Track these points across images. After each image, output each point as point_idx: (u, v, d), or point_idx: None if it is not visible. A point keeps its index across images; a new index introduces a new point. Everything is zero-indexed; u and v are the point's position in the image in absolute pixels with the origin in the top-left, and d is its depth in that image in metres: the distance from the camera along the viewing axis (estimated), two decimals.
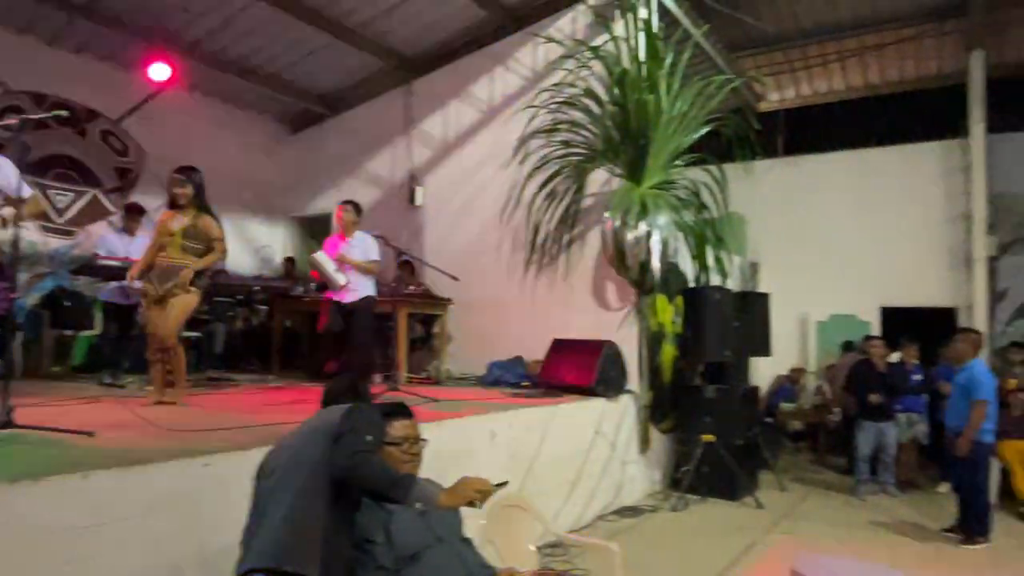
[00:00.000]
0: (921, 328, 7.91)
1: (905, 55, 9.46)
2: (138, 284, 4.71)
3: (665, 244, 6.06)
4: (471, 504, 2.03)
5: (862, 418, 6.83)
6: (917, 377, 7.25)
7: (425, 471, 2.33)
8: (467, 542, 2.33)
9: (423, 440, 2.38)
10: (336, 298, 5.56)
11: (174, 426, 3.59)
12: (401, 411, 2.38)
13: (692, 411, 6.61)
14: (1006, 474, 6.38)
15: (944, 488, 6.73)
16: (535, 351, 6.56)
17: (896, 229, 9.48)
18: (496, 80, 7.54)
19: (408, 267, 7.50)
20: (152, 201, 7.03)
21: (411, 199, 8.12)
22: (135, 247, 6.06)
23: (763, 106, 10.62)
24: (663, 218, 6.04)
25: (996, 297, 8.98)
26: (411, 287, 7.30)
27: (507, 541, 2.85)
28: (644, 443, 6.40)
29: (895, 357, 7.25)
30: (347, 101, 9.06)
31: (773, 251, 10.19)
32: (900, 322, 9.09)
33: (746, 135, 6.92)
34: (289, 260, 9.05)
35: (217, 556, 2.48)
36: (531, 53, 7.23)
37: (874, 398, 6.66)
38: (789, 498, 6.64)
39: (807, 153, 10.48)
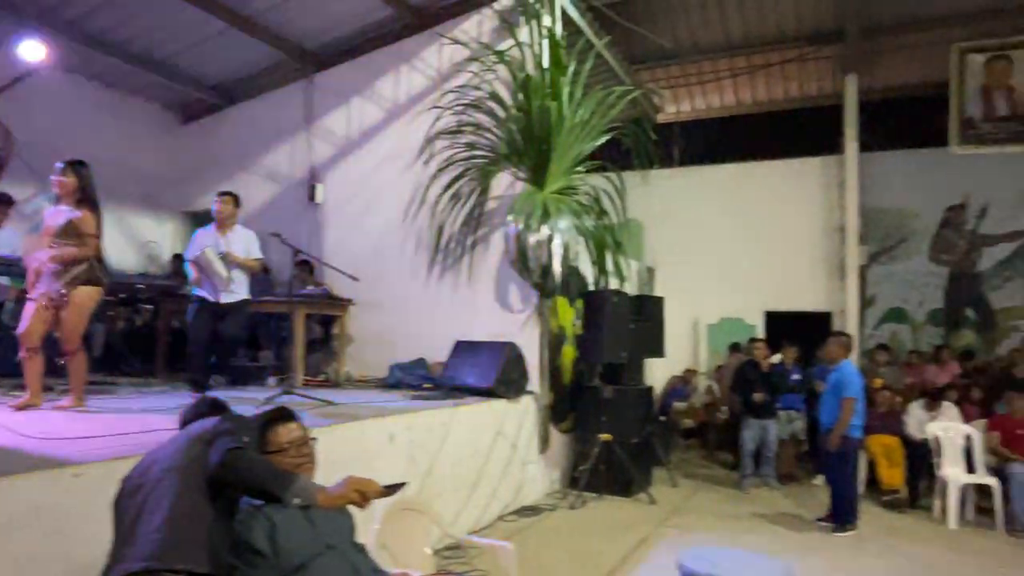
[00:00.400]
0: (801, 331, 8.47)
1: (789, 76, 10.12)
2: (3, 280, 4.35)
3: (566, 248, 6.18)
4: (354, 504, 2.00)
5: (747, 416, 7.24)
6: (796, 377, 7.75)
7: (320, 476, 2.28)
8: (359, 548, 2.28)
9: (313, 439, 2.33)
10: (212, 298, 5.28)
11: (43, 434, 3.32)
12: (282, 416, 2.32)
13: (590, 411, 6.78)
14: (873, 466, 6.92)
15: (819, 480, 7.24)
16: (438, 353, 6.54)
17: (780, 238, 10.12)
18: (401, 79, 7.45)
19: (307, 266, 7.29)
20: (21, 191, 6.48)
21: (311, 196, 7.89)
22: (2, 239, 5.57)
23: (661, 118, 11.04)
24: (565, 222, 6.16)
25: (866, 303, 9.75)
26: (309, 287, 7.10)
27: (402, 545, 2.82)
28: (544, 443, 6.50)
29: (778, 358, 7.72)
30: (244, 92, 8.70)
31: (668, 257, 10.63)
32: (783, 325, 9.71)
33: (644, 145, 7.19)
34: (178, 257, 8.57)
35: (87, 573, 2.31)
36: (437, 54, 7.20)
37: (758, 397, 7.07)
38: (680, 493, 6.94)
39: (701, 164, 11.01)
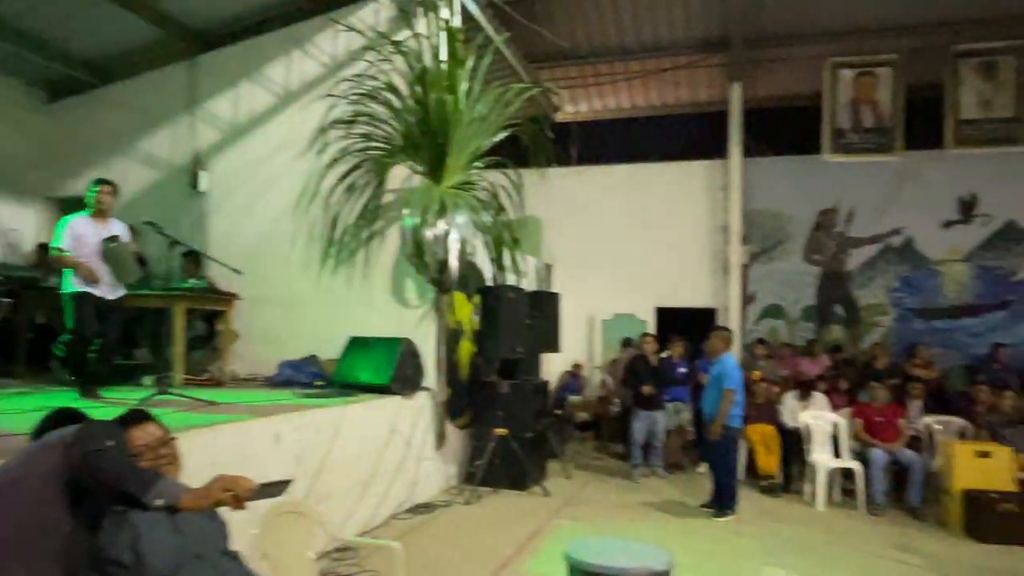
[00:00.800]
0: (689, 326, 8.86)
1: (680, 81, 10.54)
2: None
3: (464, 243, 6.15)
4: (225, 505, 1.86)
5: (637, 408, 7.50)
6: (682, 370, 8.10)
7: (199, 481, 2.13)
8: (232, 556, 2.16)
9: (173, 438, 2.18)
10: (100, 294, 4.95)
11: None
12: (135, 417, 2.16)
13: (487, 406, 6.81)
14: (752, 453, 7.34)
15: (703, 468, 7.60)
16: (331, 349, 6.34)
17: (670, 238, 10.55)
18: (293, 64, 7.16)
19: (194, 259, 6.87)
20: None
21: (194, 184, 7.45)
22: None
23: (559, 116, 11.22)
24: (462, 217, 6.13)
25: (747, 299, 10.32)
26: (194, 280, 6.70)
27: (284, 551, 2.70)
28: (440, 439, 6.45)
29: (668, 352, 8.03)
30: (120, 71, 8.07)
31: (566, 254, 10.83)
32: (672, 320, 10.14)
33: (542, 142, 7.26)
34: (42, 247, 7.86)
35: None
36: (331, 40, 6.97)
37: (647, 389, 7.34)
38: (573, 485, 7.09)
39: (597, 164, 11.28)
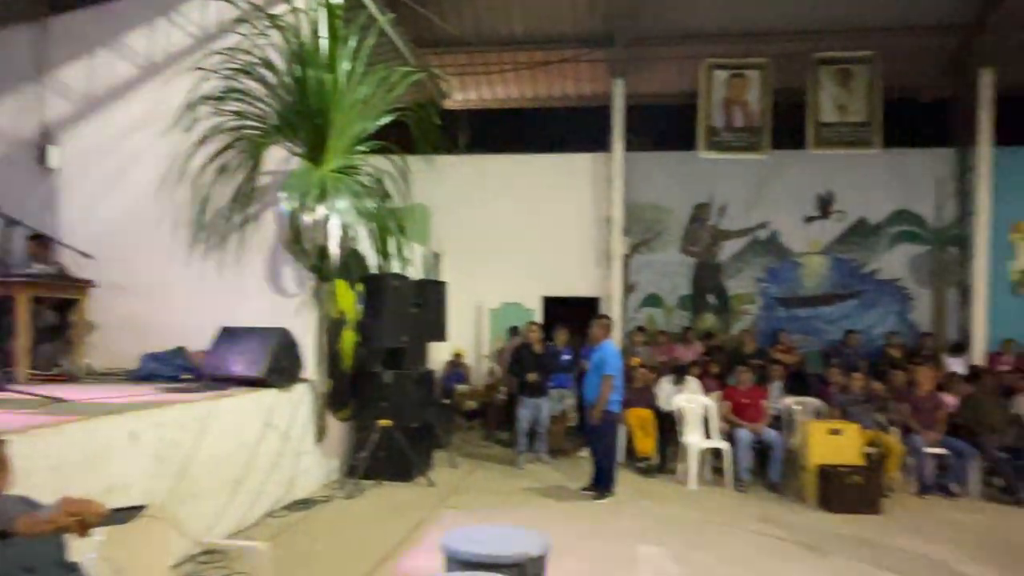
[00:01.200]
0: (575, 314, 9.05)
1: (566, 75, 10.72)
2: None
3: (345, 229, 5.94)
4: (70, 532, 1.67)
5: (522, 395, 7.58)
6: (566, 357, 8.27)
7: (44, 486, 1.90)
8: (70, 568, 1.95)
9: (2, 440, 1.94)
10: None
11: None
12: None
13: (370, 397, 6.64)
14: (630, 437, 7.60)
15: (586, 453, 7.80)
16: (199, 340, 5.94)
17: (556, 228, 10.74)
18: (157, 33, 6.62)
19: (43, 242, 6.22)
20: None
21: (42, 160, 6.75)
22: None
23: (448, 104, 11.12)
24: (344, 203, 5.91)
25: (628, 289, 10.69)
26: (41, 266, 6.07)
27: (136, 560, 2.49)
28: (320, 432, 6.23)
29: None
30: None
31: (455, 243, 10.77)
32: (559, 309, 10.34)
33: (429, 129, 7.13)
34: None
35: None
36: (200, 9, 6.50)
37: (531, 377, 7.43)
38: (459, 474, 7.07)
39: (486, 153, 11.28)
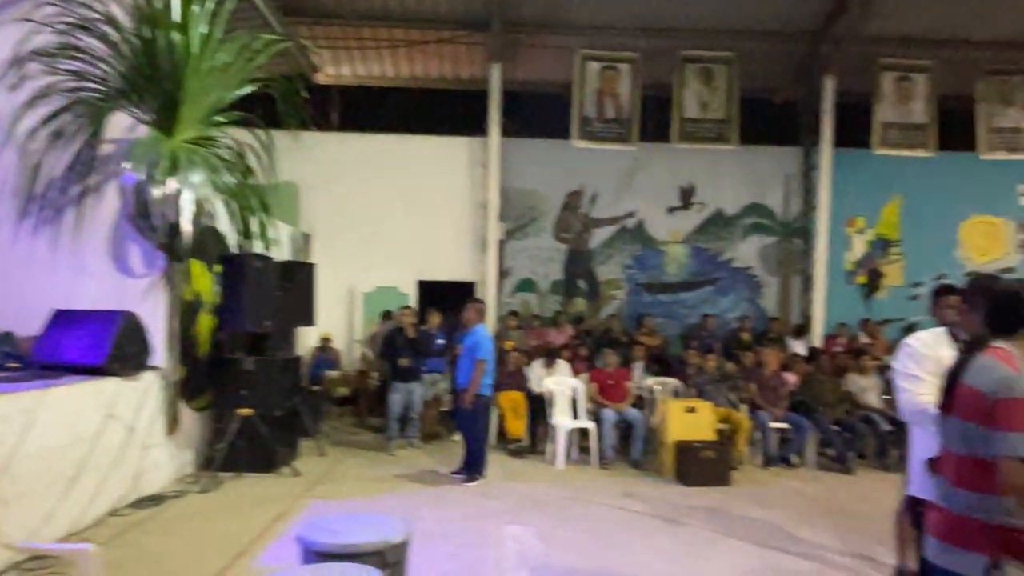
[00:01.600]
0: (450, 299, 8.99)
1: (443, 56, 10.58)
2: None
3: (200, 205, 5.54)
4: None
5: (394, 380, 7.46)
6: (440, 342, 8.22)
7: None
8: None
9: None
10: None
11: None
12: None
13: (229, 385, 6.27)
14: (502, 419, 7.69)
15: (458, 437, 7.80)
16: (28, 325, 5.34)
17: (431, 211, 10.62)
18: None
19: None
20: None
21: None
22: None
23: (319, 78, 10.67)
24: (198, 176, 5.50)
25: (503, 274, 10.78)
26: None
27: None
28: (172, 423, 5.81)
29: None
30: None
31: (327, 224, 10.39)
32: (434, 293, 10.25)
33: (296, 103, 6.78)
34: None
35: None
36: None
37: (403, 361, 7.32)
38: (327, 462, 6.86)
39: (360, 131, 10.93)
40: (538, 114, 10.98)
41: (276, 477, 6.19)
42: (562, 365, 7.97)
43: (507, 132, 10.44)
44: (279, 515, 5.06)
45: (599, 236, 11.04)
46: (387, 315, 9.64)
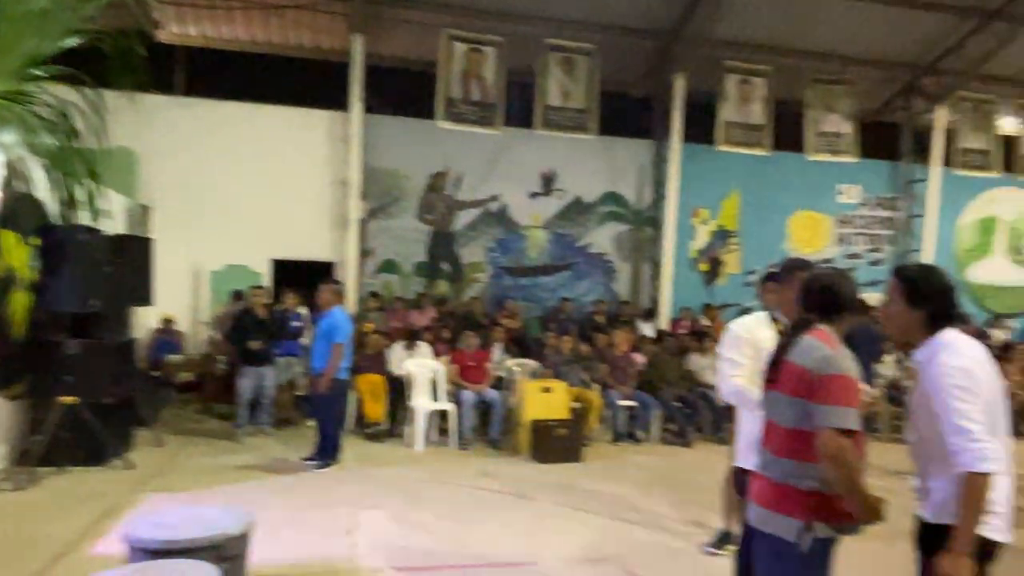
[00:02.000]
0: (308, 279, 8.61)
1: (302, 23, 10.07)
2: None
3: (12, 169, 4.91)
4: None
5: (244, 364, 7.07)
6: (297, 324, 7.89)
7: None
8: None
9: None
10: None
11: None
12: None
13: (50, 370, 5.64)
14: (360, 403, 7.52)
15: (312, 423, 7.55)
16: None
17: (288, 186, 10.12)
18: None
19: None
20: None
21: None
22: None
23: (163, 37, 9.80)
24: (10, 136, 4.87)
25: (364, 254, 10.51)
26: None
27: None
28: None
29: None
30: None
31: (171, 196, 9.60)
32: (290, 273, 9.80)
33: (133, 61, 6.17)
34: None
35: None
36: None
37: (253, 344, 6.95)
38: (166, 453, 6.39)
39: (209, 97, 10.17)
40: (403, 92, 10.76)
41: (106, 471, 5.69)
42: (423, 347, 7.92)
43: (370, 108, 10.16)
44: (107, 512, 4.65)
45: (463, 219, 11.05)
46: (237, 295, 9.10)
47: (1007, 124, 12.13)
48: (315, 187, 10.26)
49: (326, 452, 6.10)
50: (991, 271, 13.23)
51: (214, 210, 9.76)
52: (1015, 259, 13.38)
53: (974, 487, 2.07)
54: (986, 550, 2.17)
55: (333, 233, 10.27)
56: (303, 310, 8.22)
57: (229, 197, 9.85)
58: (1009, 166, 12.20)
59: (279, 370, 7.54)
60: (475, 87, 9.99)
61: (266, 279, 9.83)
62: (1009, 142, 12.20)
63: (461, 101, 9.93)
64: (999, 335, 11.00)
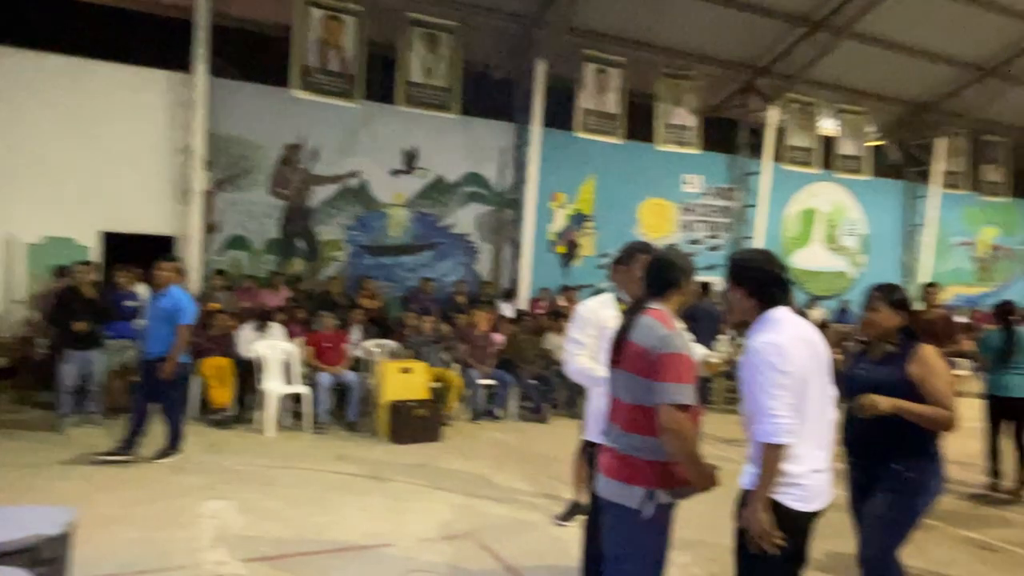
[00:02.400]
0: (144, 255, 7.89)
1: None
2: None
3: None
4: None
5: (67, 347, 6.38)
6: (131, 303, 7.24)
7: None
8: None
9: None
10: None
11: None
12: None
13: None
14: (205, 388, 7.04)
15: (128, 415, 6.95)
16: None
17: (120, 153, 9.21)
18: None
19: None
20: None
21: None
22: None
23: None
24: None
25: (210, 229, 9.82)
26: None
27: None
28: None
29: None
30: None
31: None
32: (122, 248, 8.95)
33: None
34: None
35: None
36: None
37: (79, 326, 6.29)
38: None
39: (22, 47, 8.96)
40: (255, 57, 10.07)
41: None
42: (276, 328, 7.55)
43: (217, 72, 9.44)
44: None
45: (320, 194, 10.62)
46: (61, 272, 8.17)
47: (827, 125, 13.52)
48: (153, 154, 9.41)
49: (169, 441, 5.66)
50: (810, 258, 14.78)
51: (32, 175, 8.70)
52: (830, 247, 15.04)
53: (768, 457, 2.30)
54: (797, 524, 2.37)
55: (174, 205, 9.50)
56: (141, 288, 7.56)
57: (51, 161, 8.82)
58: (828, 163, 13.61)
59: (111, 354, 6.90)
60: (333, 57, 9.59)
61: (95, 254, 8.93)
62: (828, 142, 13.60)
63: (318, 70, 9.50)
64: (816, 315, 12.30)
